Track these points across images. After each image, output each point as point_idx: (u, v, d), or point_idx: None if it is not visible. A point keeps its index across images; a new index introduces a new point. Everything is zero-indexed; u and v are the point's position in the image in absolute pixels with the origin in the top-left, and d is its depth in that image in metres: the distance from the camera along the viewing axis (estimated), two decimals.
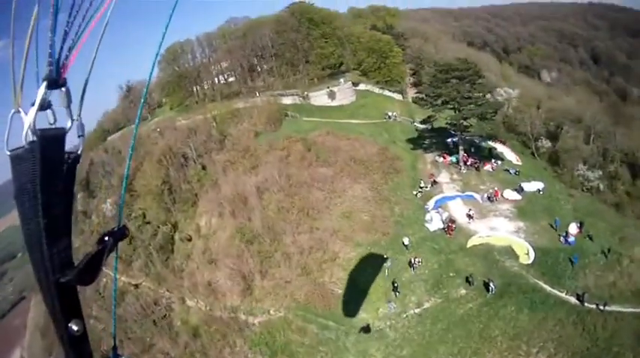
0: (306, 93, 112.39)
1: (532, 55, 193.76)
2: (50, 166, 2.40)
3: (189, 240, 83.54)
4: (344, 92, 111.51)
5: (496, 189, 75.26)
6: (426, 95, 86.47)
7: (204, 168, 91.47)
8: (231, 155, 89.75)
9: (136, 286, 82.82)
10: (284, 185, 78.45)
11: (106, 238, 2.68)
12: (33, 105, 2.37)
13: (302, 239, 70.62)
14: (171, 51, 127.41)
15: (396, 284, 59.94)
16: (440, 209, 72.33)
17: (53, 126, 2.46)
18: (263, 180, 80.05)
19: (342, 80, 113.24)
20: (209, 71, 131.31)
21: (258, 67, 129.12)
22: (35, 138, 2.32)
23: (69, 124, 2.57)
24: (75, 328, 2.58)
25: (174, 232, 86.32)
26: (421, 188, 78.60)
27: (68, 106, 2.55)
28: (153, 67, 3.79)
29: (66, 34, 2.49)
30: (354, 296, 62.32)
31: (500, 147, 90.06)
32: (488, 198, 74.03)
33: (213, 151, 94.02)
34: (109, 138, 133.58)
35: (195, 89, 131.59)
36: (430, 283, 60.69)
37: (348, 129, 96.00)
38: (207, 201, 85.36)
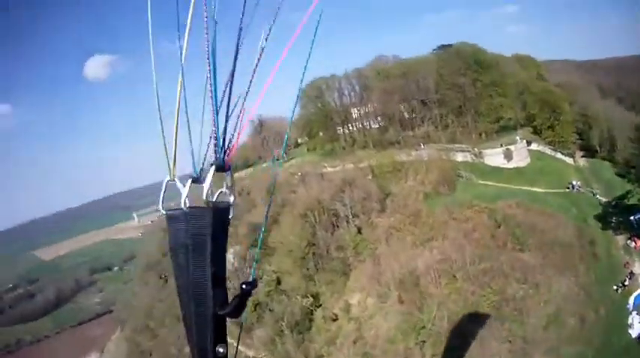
0: (478, 150, 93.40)
1: None
2: (216, 229, 2.92)
3: (335, 320, 67.81)
4: (519, 152, 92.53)
5: None
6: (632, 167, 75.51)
7: (360, 231, 74.83)
8: (396, 220, 73.02)
9: None
10: (472, 271, 60.63)
11: (244, 286, 3.11)
12: (193, 179, 2.97)
13: (499, 348, 54.21)
14: (315, 86, 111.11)
15: None
16: None
17: (222, 201, 3.05)
18: (441, 259, 62.94)
19: (518, 138, 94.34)
20: (359, 112, 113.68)
21: (418, 114, 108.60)
22: (186, 208, 2.86)
23: (231, 199, 3.11)
24: (221, 350, 3.07)
25: (316, 307, 70.39)
26: (623, 284, 62.57)
27: (231, 187, 3.14)
28: (295, 106, 4.90)
29: (227, 120, 3.07)
30: None
31: None
32: None
33: (374, 212, 76.94)
34: (235, 175, 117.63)
35: (342, 131, 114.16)
36: None
37: (535, 200, 77.40)
38: (363, 274, 69.73)
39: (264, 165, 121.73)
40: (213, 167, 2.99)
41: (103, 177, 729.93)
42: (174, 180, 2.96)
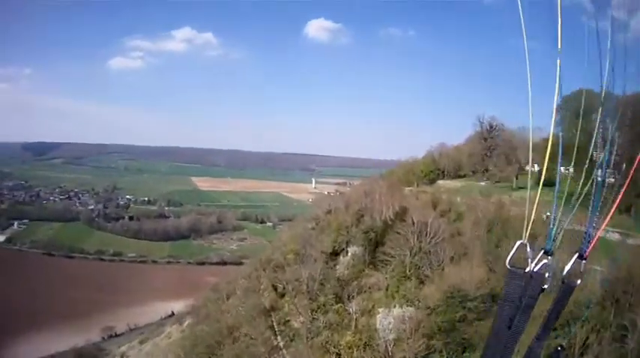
0: None
1: None
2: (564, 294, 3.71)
3: None
4: None
5: None
6: None
7: None
8: None
9: None
10: None
11: (559, 348, 4.05)
12: (545, 251, 3.69)
13: None
14: (579, 98, 67.48)
15: None
16: None
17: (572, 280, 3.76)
18: None
19: None
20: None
21: None
22: (531, 271, 3.54)
23: (578, 282, 3.76)
24: None
25: None
26: None
27: (582, 273, 3.71)
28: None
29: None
30: None
31: None
32: None
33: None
34: (439, 182, 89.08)
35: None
36: None
37: None
38: None
39: (482, 183, 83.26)
40: (577, 254, 3.68)
41: (293, 133, 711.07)
42: (526, 244, 3.58)
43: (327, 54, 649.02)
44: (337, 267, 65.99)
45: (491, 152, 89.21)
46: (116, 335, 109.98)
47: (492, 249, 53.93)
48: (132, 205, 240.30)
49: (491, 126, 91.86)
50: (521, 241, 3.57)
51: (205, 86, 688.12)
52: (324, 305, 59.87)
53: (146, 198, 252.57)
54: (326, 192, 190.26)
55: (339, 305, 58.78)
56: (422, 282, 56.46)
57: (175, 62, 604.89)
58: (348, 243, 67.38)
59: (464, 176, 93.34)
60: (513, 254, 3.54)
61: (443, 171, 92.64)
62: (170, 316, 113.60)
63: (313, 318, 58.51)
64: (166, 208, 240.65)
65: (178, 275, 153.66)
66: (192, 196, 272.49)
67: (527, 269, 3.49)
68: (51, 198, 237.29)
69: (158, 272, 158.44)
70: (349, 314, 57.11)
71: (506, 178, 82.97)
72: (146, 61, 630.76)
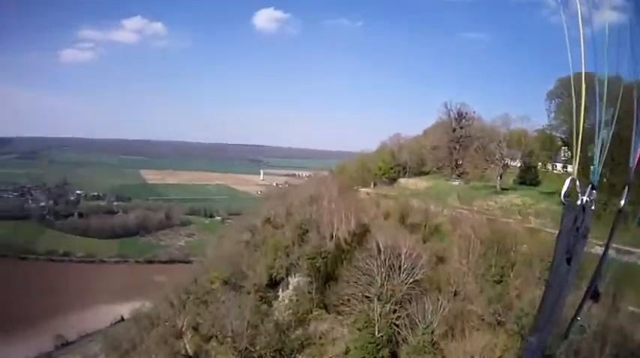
0: None
1: None
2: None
3: None
4: None
5: None
6: None
7: None
8: None
9: None
10: None
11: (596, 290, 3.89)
12: (592, 186, 3.70)
13: None
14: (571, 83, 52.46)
15: None
16: None
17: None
18: None
19: None
20: None
21: None
22: (584, 204, 3.65)
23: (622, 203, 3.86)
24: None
25: None
26: None
27: (626, 199, 3.84)
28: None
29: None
30: None
31: None
32: None
33: None
34: (401, 181, 73.83)
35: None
36: None
37: None
38: None
39: (455, 183, 68.10)
40: (627, 188, 3.75)
41: (240, 124, 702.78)
42: (575, 179, 3.64)
43: (276, 44, 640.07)
44: (275, 304, 48.24)
45: (461, 144, 74.00)
46: (68, 344, 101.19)
47: (497, 292, 36.56)
48: (82, 200, 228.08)
49: (460, 114, 76.33)
50: (571, 177, 3.66)
51: (153, 77, 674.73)
52: None
53: (96, 193, 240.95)
54: (275, 184, 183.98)
55: None
56: (397, 346, 38.05)
57: (125, 52, 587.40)
58: (288, 271, 49.57)
59: (428, 173, 78.15)
60: (567, 187, 3.63)
61: (404, 168, 77.00)
62: (119, 321, 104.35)
63: None
64: (115, 203, 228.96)
65: (127, 275, 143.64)
66: (140, 190, 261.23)
67: (578, 202, 3.65)
68: (5, 195, 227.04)
69: (107, 273, 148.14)
70: None
71: (481, 176, 67.96)
72: (97, 52, 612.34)
